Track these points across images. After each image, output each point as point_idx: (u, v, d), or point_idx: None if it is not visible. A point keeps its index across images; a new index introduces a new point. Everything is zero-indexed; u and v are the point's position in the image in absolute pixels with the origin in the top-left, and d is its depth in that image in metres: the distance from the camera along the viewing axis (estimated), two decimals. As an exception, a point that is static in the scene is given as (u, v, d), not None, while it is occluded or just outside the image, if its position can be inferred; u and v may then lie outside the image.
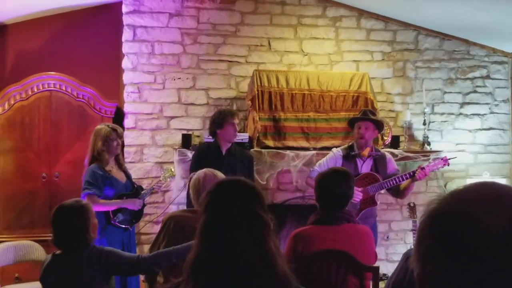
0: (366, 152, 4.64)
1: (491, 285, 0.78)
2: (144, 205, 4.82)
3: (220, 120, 4.89)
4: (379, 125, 4.75)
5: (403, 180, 4.57)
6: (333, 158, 4.68)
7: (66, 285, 3.04)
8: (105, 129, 4.63)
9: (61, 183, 5.59)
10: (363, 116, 4.73)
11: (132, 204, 4.64)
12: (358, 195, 4.44)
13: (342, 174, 3.43)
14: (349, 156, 4.64)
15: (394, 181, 4.57)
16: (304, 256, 3.21)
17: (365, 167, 4.63)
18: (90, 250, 3.06)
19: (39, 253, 5.21)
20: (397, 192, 4.75)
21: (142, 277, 4.44)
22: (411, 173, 4.54)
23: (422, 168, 4.54)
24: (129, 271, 3.19)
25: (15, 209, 5.52)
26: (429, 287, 0.85)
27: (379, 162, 4.69)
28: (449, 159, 4.79)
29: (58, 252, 3.12)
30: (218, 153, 4.87)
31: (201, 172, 3.40)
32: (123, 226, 4.63)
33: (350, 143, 4.77)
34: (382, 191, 4.69)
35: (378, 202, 4.69)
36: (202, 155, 4.88)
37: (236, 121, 4.89)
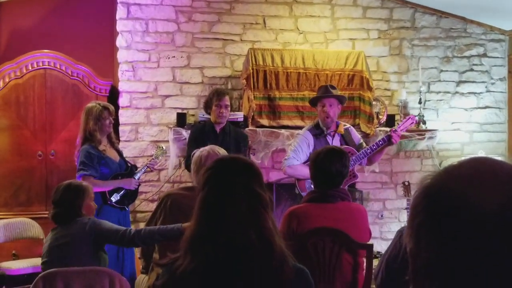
0: (341, 128, 4.62)
1: (483, 261, 0.79)
2: (139, 184, 4.83)
3: (208, 100, 4.95)
4: (342, 100, 4.70)
5: (378, 146, 4.53)
6: (304, 140, 4.60)
7: (57, 252, 3.24)
8: (97, 107, 4.56)
9: (57, 161, 5.61)
10: (324, 93, 4.65)
11: (128, 184, 4.64)
12: None
13: (337, 153, 3.44)
14: (321, 135, 4.59)
15: (370, 150, 4.53)
16: (298, 233, 3.23)
17: (335, 142, 4.58)
18: (81, 220, 3.30)
19: (36, 230, 5.28)
20: (369, 160, 4.71)
21: (138, 254, 4.47)
22: (385, 139, 4.51)
23: (395, 131, 4.53)
24: (114, 239, 3.33)
25: (11, 187, 5.56)
26: (421, 263, 0.85)
27: (346, 135, 4.66)
28: (415, 116, 4.89)
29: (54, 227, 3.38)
30: (213, 132, 4.88)
31: (204, 150, 3.41)
32: (119, 206, 4.63)
33: (315, 122, 4.71)
34: (359, 163, 4.63)
35: (358, 176, 4.67)
36: (197, 134, 4.91)
37: (224, 102, 4.86)
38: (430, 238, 0.84)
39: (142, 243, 3.30)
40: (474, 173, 0.85)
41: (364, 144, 4.69)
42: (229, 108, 4.94)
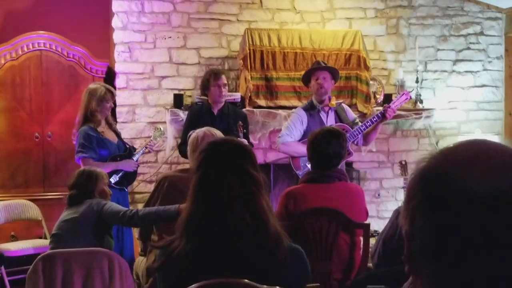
0: (333, 101, 4.60)
1: (477, 244, 0.79)
2: (138, 166, 4.87)
3: (205, 81, 4.92)
4: (335, 74, 4.67)
5: (372, 123, 4.52)
6: (297, 117, 4.58)
7: (65, 225, 3.43)
8: (101, 89, 4.61)
9: (54, 142, 5.62)
10: (317, 66, 4.67)
11: (128, 166, 4.69)
12: None
13: (335, 133, 3.46)
14: (313, 110, 4.58)
15: (364, 126, 4.51)
16: (295, 213, 3.26)
17: (330, 119, 4.58)
18: (90, 200, 3.49)
19: (34, 211, 5.30)
20: (365, 139, 4.68)
21: (136, 235, 4.50)
22: (379, 115, 4.50)
23: (388, 107, 4.52)
24: (115, 219, 3.46)
25: (9, 169, 5.56)
26: (417, 245, 0.86)
27: (340, 112, 4.65)
28: (410, 91, 4.91)
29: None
30: (210, 113, 4.88)
31: (200, 131, 3.42)
32: (119, 186, 4.68)
33: (309, 100, 4.71)
34: (355, 142, 4.61)
35: (353, 153, 4.64)
36: (194, 116, 4.90)
37: (222, 81, 4.85)
38: (425, 220, 0.84)
39: (141, 222, 3.37)
40: (470, 156, 0.86)
41: (360, 122, 4.66)
42: (227, 87, 4.95)
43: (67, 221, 3.45)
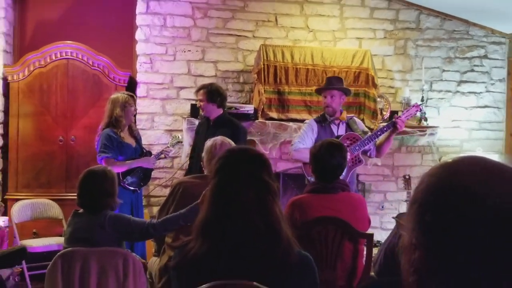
0: (344, 115, 4.70)
1: (488, 257, 0.80)
2: (152, 169, 5.05)
3: None
4: (345, 91, 4.76)
5: (383, 132, 4.58)
6: (309, 127, 4.69)
7: (78, 240, 3.16)
8: (122, 96, 4.82)
9: (76, 146, 5.82)
10: (328, 85, 4.75)
11: (147, 163, 4.87)
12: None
13: (337, 146, 3.52)
14: (325, 122, 4.68)
15: (375, 136, 4.59)
16: (301, 222, 3.29)
17: (340, 131, 4.69)
18: (106, 215, 3.17)
19: (55, 211, 5.46)
20: (378, 151, 4.74)
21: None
22: (390, 125, 4.55)
23: (399, 117, 4.57)
24: (140, 237, 3.37)
25: (33, 170, 5.75)
26: (427, 259, 0.85)
27: (351, 124, 4.73)
28: (420, 104, 4.92)
29: (80, 210, 3.27)
30: (207, 123, 5.06)
31: (218, 139, 3.53)
32: (132, 188, 4.82)
33: (322, 113, 4.82)
34: (367, 151, 4.70)
35: (364, 161, 4.66)
36: (198, 125, 5.20)
37: (198, 96, 4.98)
38: (435, 234, 0.84)
39: (168, 231, 3.28)
40: (477, 171, 0.85)
41: (370, 132, 4.73)
42: (203, 102, 4.94)
43: (78, 240, 3.15)
